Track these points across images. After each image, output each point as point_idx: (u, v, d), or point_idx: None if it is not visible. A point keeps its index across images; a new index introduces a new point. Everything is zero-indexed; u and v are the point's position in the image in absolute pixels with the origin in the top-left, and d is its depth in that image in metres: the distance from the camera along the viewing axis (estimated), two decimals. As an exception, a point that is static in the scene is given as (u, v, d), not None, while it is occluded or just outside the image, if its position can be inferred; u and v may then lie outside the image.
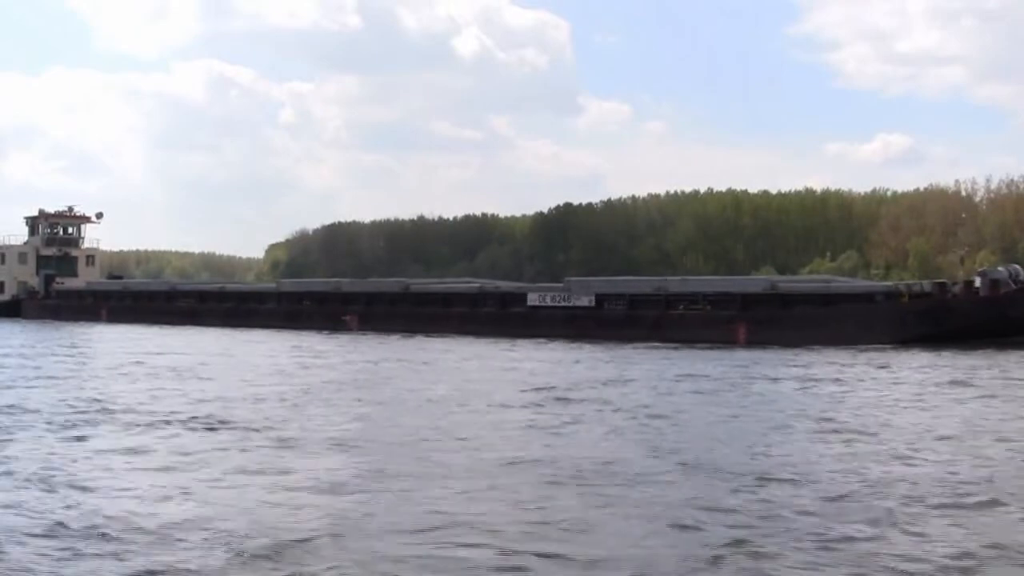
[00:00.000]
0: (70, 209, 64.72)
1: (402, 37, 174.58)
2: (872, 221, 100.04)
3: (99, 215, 65.09)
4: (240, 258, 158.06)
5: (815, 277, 45.75)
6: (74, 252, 64.58)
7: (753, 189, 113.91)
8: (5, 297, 63.24)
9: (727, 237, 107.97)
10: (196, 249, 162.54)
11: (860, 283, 44.18)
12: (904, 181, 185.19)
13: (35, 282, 62.88)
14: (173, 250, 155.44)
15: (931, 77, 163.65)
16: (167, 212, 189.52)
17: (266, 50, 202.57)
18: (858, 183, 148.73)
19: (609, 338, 36.97)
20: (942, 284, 36.05)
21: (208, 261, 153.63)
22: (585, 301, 40.90)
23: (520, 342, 36.42)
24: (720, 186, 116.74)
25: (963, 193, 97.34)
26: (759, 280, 41.06)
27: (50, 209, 64.29)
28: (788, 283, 38.94)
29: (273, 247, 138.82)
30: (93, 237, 66.36)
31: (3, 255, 64.92)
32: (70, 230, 65.06)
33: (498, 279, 56.60)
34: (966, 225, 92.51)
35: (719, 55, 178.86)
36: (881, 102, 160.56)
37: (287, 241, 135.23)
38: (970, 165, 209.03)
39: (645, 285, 41.48)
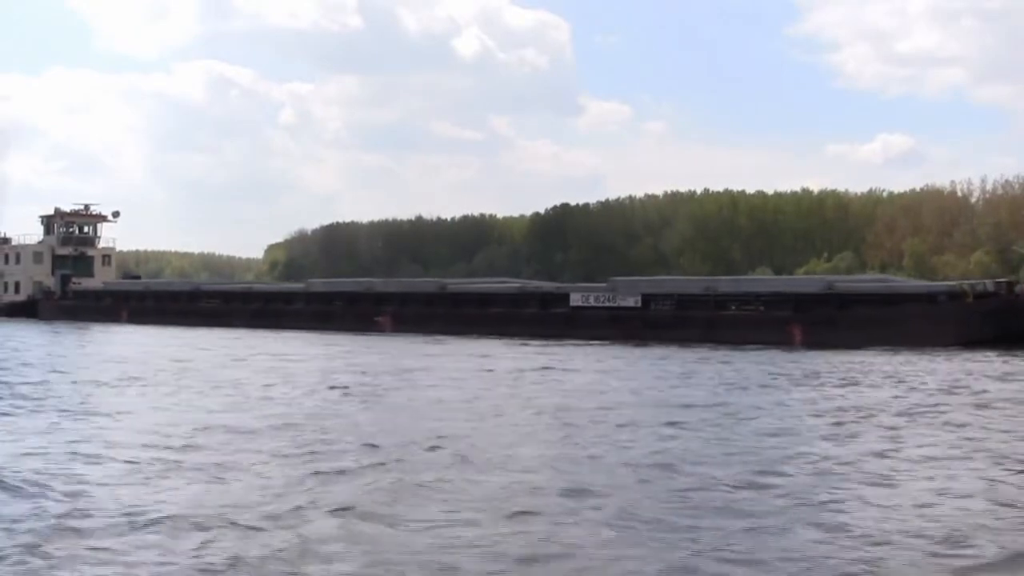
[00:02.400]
0: (86, 208, 61.92)
1: (402, 37, 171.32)
2: (869, 222, 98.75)
3: (115, 214, 62.37)
4: (240, 258, 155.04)
5: (871, 277, 43.90)
6: (90, 252, 61.83)
7: (750, 189, 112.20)
8: (20, 297, 60.49)
9: (724, 237, 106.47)
10: (196, 249, 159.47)
11: (920, 283, 42.40)
12: (905, 182, 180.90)
13: (51, 282, 60.04)
14: (173, 250, 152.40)
15: (931, 78, 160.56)
16: (167, 213, 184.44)
17: (266, 50, 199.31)
18: (859, 184, 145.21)
19: (656, 339, 34.95)
20: (1009, 283, 34.20)
21: (208, 261, 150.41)
22: (631, 301, 38.85)
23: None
24: (722, 187, 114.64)
25: (959, 194, 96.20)
26: (815, 280, 39.21)
27: (66, 208, 61.65)
28: (845, 283, 37.05)
29: (272, 247, 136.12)
30: (109, 236, 63.75)
31: (18, 255, 62.23)
32: (86, 229, 62.27)
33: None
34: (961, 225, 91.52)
35: (719, 55, 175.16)
36: (881, 103, 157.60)
37: (286, 241, 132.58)
38: (971, 166, 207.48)
39: (694, 285, 39.51)
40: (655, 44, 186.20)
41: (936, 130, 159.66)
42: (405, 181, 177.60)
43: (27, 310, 57.53)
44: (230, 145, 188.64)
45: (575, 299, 40.19)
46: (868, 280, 39.39)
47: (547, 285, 45.96)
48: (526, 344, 34.48)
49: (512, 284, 44.83)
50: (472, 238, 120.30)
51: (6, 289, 62.30)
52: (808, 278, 45.15)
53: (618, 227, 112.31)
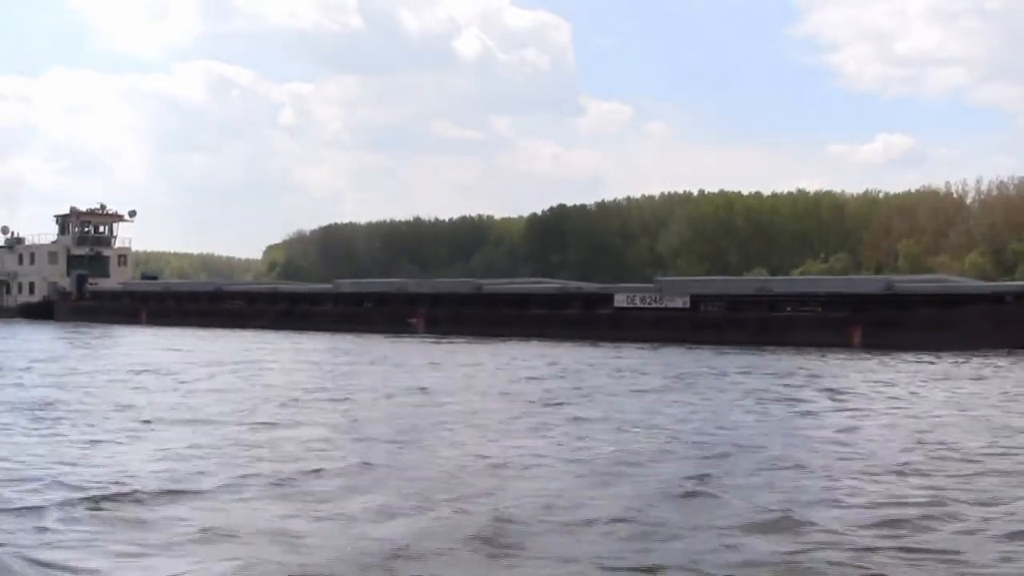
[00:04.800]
0: (102, 207, 58.74)
1: (403, 38, 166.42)
2: (865, 222, 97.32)
3: (132, 213, 59.33)
4: (239, 259, 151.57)
5: (933, 277, 41.91)
6: (106, 252, 58.77)
7: (749, 190, 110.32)
8: (35, 298, 57.48)
9: (721, 238, 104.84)
10: (195, 250, 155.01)
11: (984, 283, 40.49)
12: (906, 182, 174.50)
13: (66, 283, 57.10)
14: (172, 251, 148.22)
15: (931, 78, 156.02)
16: (167, 213, 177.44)
17: (266, 50, 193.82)
18: (861, 185, 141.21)
19: (706, 342, 32.84)
20: (1080, 284, 32.34)
21: (207, 262, 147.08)
22: (679, 302, 36.68)
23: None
24: (724, 188, 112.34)
25: (955, 195, 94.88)
26: (875, 280, 37.21)
27: (82, 207, 58.60)
28: (906, 283, 35.05)
29: (271, 248, 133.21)
30: (125, 236, 60.55)
31: (32, 255, 59.20)
32: (101, 229, 59.19)
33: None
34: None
35: (720, 56, 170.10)
36: (882, 104, 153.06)
37: (285, 242, 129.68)
38: (972, 166, 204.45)
39: (746, 286, 37.45)
40: (655, 45, 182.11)
41: (936, 130, 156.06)
42: (405, 182, 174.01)
43: (42, 311, 54.62)
44: (230, 146, 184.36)
45: (619, 300, 38.00)
46: (928, 280, 37.41)
47: (588, 286, 43.66)
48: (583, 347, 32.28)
49: (551, 284, 42.59)
50: (470, 239, 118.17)
51: (20, 290, 59.33)
52: (868, 278, 43.12)
53: (615, 228, 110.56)
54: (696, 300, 36.35)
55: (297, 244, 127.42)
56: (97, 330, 43.89)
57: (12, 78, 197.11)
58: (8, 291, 59.86)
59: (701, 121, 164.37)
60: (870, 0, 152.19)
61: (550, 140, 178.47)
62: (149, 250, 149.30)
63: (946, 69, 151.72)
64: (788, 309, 34.80)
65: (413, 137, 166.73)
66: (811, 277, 47.48)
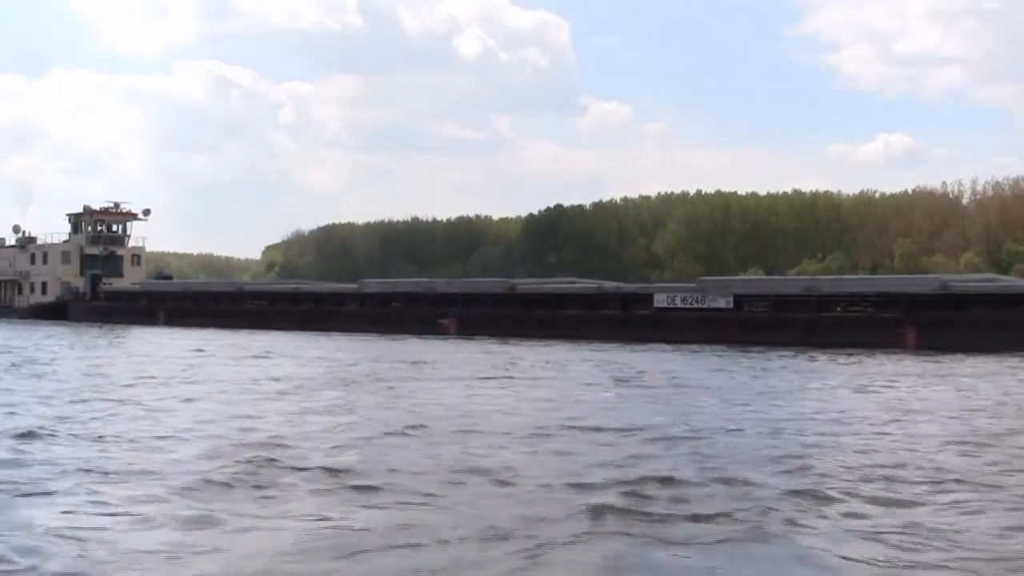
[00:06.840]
0: (116, 205, 56.15)
1: (403, 37, 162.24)
2: (861, 222, 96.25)
3: (146, 212, 56.89)
4: (239, 259, 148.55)
5: (985, 276, 40.39)
6: (120, 251, 56.30)
7: (745, 191, 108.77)
8: (48, 298, 55.05)
9: (717, 239, 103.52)
10: (195, 250, 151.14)
11: None
12: (907, 182, 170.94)
13: (80, 283, 54.73)
14: (172, 251, 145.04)
15: (931, 78, 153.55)
16: (167, 213, 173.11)
17: (266, 50, 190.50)
18: (860, 185, 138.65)
19: (752, 343, 31.16)
20: None
21: (206, 262, 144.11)
22: (722, 303, 35.01)
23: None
24: (722, 188, 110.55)
25: (950, 195, 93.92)
26: (928, 279, 35.56)
27: (95, 205, 56.13)
28: (961, 283, 33.54)
29: (270, 248, 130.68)
30: (138, 235, 58.13)
31: (44, 254, 56.71)
32: (115, 227, 56.68)
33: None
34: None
35: (720, 56, 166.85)
36: (881, 104, 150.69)
37: (284, 242, 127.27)
38: (972, 165, 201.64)
39: (793, 285, 35.76)
40: (656, 45, 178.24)
41: (936, 130, 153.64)
42: (405, 182, 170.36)
43: (56, 311, 52.24)
44: (230, 146, 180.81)
45: (659, 300, 36.29)
46: (983, 280, 35.91)
47: (627, 286, 41.94)
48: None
49: (588, 284, 40.78)
50: (467, 239, 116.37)
51: (32, 290, 56.91)
52: (920, 277, 41.48)
53: (611, 228, 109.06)
54: (739, 300, 34.73)
55: (295, 244, 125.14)
56: (124, 331, 41.79)
57: (13, 78, 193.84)
58: (20, 291, 57.46)
59: (701, 121, 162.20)
60: (870, 0, 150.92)
61: (550, 140, 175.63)
62: (148, 250, 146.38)
63: (946, 69, 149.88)
64: (837, 309, 33.21)
65: (413, 137, 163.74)
66: (861, 276, 45.92)
